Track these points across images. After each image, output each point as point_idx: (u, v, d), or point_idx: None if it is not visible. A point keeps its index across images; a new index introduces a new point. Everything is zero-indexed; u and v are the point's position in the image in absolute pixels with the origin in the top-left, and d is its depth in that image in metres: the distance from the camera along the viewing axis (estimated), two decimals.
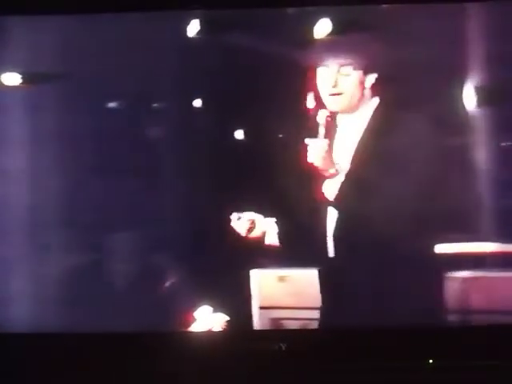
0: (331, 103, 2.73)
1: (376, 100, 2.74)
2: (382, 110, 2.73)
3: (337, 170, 2.72)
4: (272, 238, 2.75)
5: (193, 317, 2.68)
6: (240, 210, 2.72)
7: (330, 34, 2.72)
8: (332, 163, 2.72)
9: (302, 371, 2.55)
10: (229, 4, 2.71)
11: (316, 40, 2.72)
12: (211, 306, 2.69)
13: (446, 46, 2.70)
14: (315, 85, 2.73)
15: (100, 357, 2.59)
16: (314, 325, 2.70)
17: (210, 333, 2.68)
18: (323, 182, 2.73)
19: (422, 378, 2.54)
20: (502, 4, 2.70)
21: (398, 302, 2.63)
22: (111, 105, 2.79)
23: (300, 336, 2.66)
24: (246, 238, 2.72)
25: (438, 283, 2.67)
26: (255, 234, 2.74)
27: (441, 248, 2.69)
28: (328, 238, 2.71)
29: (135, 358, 2.59)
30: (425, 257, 2.68)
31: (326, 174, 2.73)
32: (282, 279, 2.73)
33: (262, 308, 2.72)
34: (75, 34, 2.74)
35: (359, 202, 2.68)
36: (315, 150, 2.71)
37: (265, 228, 2.75)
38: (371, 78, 2.72)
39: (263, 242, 2.74)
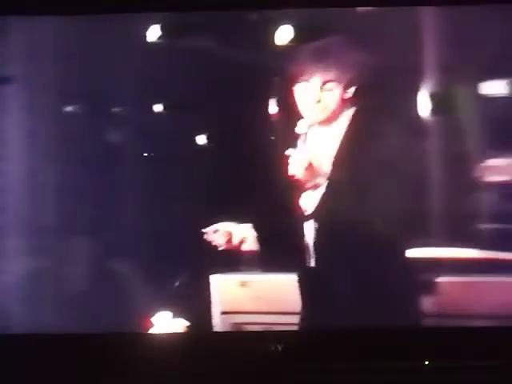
0: (312, 115, 2.68)
1: (352, 109, 2.69)
2: (359, 119, 2.67)
3: (318, 183, 2.67)
4: (251, 245, 2.70)
5: (151, 322, 2.67)
6: (212, 218, 2.67)
7: (310, 49, 2.68)
8: (313, 175, 2.67)
9: (297, 372, 2.54)
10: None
11: (298, 55, 2.68)
12: (171, 311, 2.68)
13: (422, 52, 2.66)
14: (295, 97, 2.68)
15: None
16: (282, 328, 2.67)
17: (204, 333, 2.67)
18: (303, 193, 2.67)
19: (418, 379, 2.54)
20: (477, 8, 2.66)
21: (388, 304, 2.58)
22: (75, 108, 2.76)
23: (296, 337, 2.65)
24: (225, 248, 2.68)
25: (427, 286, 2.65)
26: (233, 243, 2.69)
27: (428, 252, 2.66)
28: (307, 248, 2.67)
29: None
30: (409, 262, 2.65)
31: (307, 186, 2.67)
32: (243, 284, 2.70)
33: (223, 313, 2.70)
34: (37, 36, 2.71)
35: (339, 213, 2.63)
36: (296, 162, 2.65)
37: (242, 236, 2.69)
38: (351, 91, 2.68)
39: (241, 249, 2.69)
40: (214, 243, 2.67)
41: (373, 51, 2.61)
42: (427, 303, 2.63)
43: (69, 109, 2.75)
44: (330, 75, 2.66)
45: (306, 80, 2.67)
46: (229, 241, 2.68)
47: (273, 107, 2.67)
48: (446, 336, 2.58)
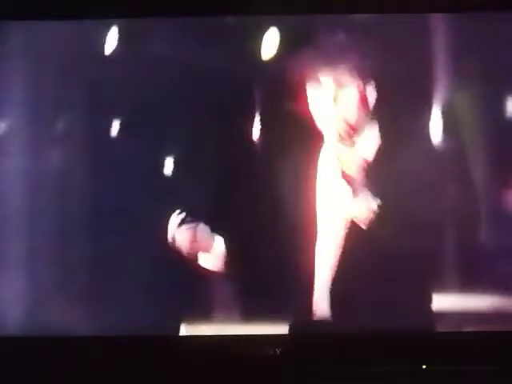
0: (333, 120, 2.43)
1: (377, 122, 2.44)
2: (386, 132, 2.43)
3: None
4: (214, 259, 2.48)
5: None
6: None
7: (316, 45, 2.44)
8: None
9: (296, 376, 2.45)
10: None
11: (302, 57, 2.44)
12: None
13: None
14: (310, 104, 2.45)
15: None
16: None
17: (204, 337, 2.53)
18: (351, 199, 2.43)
19: (416, 382, 2.47)
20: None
21: (387, 308, 2.42)
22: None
23: (294, 341, 2.52)
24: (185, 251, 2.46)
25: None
26: (197, 247, 2.46)
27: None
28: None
29: None
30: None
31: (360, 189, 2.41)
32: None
33: None
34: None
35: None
36: (349, 160, 2.41)
37: (210, 242, 2.47)
38: (371, 92, 2.43)
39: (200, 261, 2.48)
40: (176, 241, 2.45)
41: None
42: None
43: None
44: (343, 70, 2.41)
45: (317, 81, 2.43)
46: (193, 241, 2.46)
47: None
48: (445, 340, 2.49)
